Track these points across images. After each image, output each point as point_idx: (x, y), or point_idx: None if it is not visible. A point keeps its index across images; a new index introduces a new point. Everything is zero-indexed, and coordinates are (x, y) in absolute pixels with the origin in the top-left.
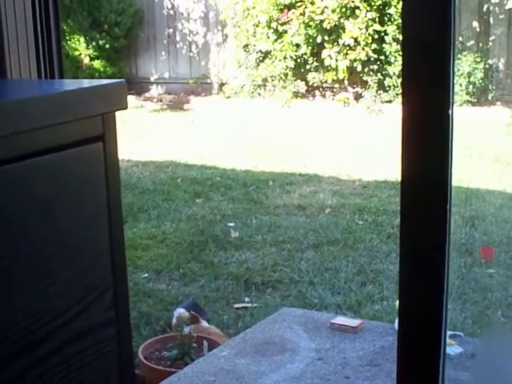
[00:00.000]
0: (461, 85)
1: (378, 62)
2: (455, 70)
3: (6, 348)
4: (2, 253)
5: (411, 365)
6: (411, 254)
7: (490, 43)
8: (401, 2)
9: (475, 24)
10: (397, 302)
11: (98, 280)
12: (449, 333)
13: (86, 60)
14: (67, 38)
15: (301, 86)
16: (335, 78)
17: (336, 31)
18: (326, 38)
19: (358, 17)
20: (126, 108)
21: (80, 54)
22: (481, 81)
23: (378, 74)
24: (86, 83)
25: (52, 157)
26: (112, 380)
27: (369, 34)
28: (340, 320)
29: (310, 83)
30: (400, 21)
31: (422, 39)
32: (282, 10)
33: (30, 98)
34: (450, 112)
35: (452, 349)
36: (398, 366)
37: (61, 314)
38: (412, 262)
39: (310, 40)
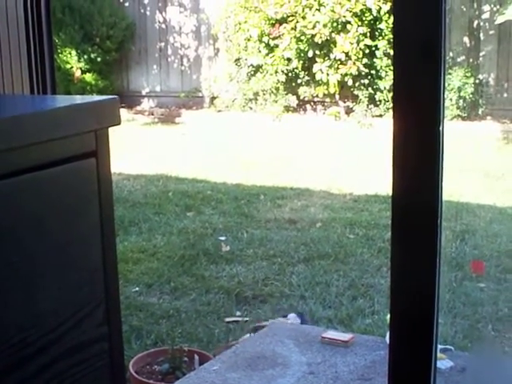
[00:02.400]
0: (451, 99)
1: (369, 77)
2: (446, 84)
3: (0, 362)
4: None
5: (402, 379)
6: (402, 268)
7: (481, 58)
8: (391, 17)
9: (466, 40)
10: (388, 316)
11: (90, 295)
12: (439, 347)
13: (78, 73)
14: (59, 50)
15: (292, 100)
16: (326, 92)
17: (327, 46)
18: (318, 52)
19: (349, 31)
20: (119, 124)
21: (71, 67)
22: (471, 95)
23: (369, 89)
24: (79, 99)
25: (45, 173)
26: None
27: (360, 49)
28: (331, 334)
29: (301, 97)
30: (391, 36)
31: (412, 54)
32: (273, 25)
33: (24, 115)
34: (441, 128)
35: (443, 363)
36: (389, 381)
37: (53, 329)
38: (403, 276)
39: (302, 54)
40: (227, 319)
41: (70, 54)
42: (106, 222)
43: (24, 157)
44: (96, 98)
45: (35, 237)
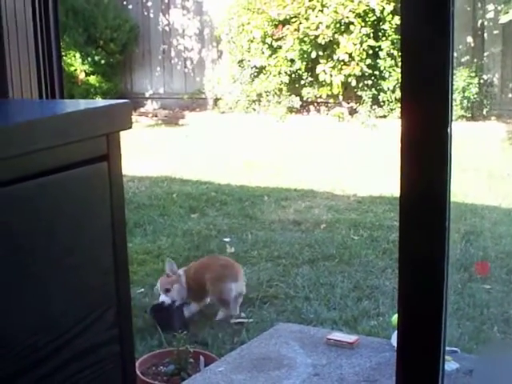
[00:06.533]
0: (455, 100)
1: (373, 77)
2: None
3: (12, 364)
4: (10, 271)
5: (410, 381)
6: (410, 270)
7: (485, 58)
8: (395, 18)
9: (470, 39)
10: (393, 318)
11: (101, 298)
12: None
13: (82, 75)
14: (63, 53)
15: (295, 101)
16: (330, 93)
17: (330, 47)
18: (321, 53)
19: (352, 32)
20: (130, 128)
21: (75, 70)
22: (475, 96)
23: (373, 89)
24: (91, 103)
25: (57, 177)
26: None
27: (363, 50)
28: (336, 336)
29: (305, 98)
30: (394, 36)
31: (420, 56)
32: (276, 26)
33: (38, 120)
34: (449, 129)
35: (449, 365)
36: (397, 382)
37: (65, 332)
38: (411, 278)
39: (305, 55)
40: (232, 321)
41: (74, 56)
42: (117, 225)
43: (36, 161)
44: (108, 101)
45: (48, 240)
